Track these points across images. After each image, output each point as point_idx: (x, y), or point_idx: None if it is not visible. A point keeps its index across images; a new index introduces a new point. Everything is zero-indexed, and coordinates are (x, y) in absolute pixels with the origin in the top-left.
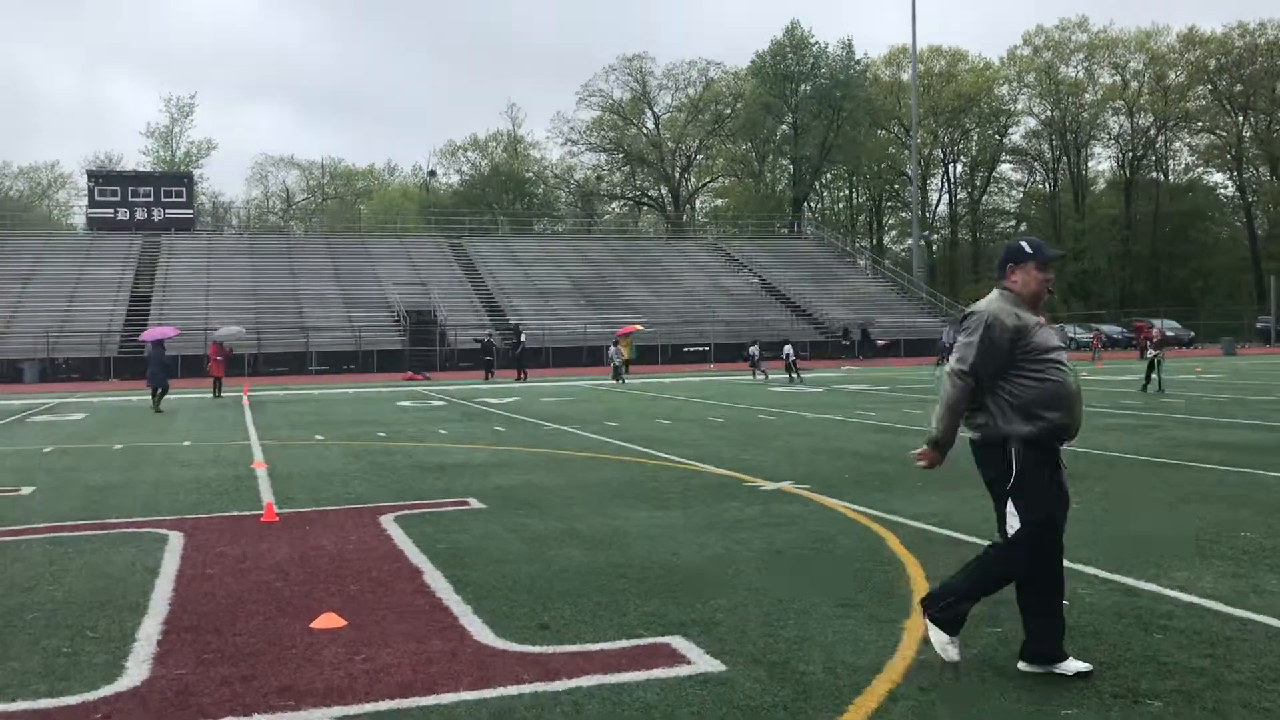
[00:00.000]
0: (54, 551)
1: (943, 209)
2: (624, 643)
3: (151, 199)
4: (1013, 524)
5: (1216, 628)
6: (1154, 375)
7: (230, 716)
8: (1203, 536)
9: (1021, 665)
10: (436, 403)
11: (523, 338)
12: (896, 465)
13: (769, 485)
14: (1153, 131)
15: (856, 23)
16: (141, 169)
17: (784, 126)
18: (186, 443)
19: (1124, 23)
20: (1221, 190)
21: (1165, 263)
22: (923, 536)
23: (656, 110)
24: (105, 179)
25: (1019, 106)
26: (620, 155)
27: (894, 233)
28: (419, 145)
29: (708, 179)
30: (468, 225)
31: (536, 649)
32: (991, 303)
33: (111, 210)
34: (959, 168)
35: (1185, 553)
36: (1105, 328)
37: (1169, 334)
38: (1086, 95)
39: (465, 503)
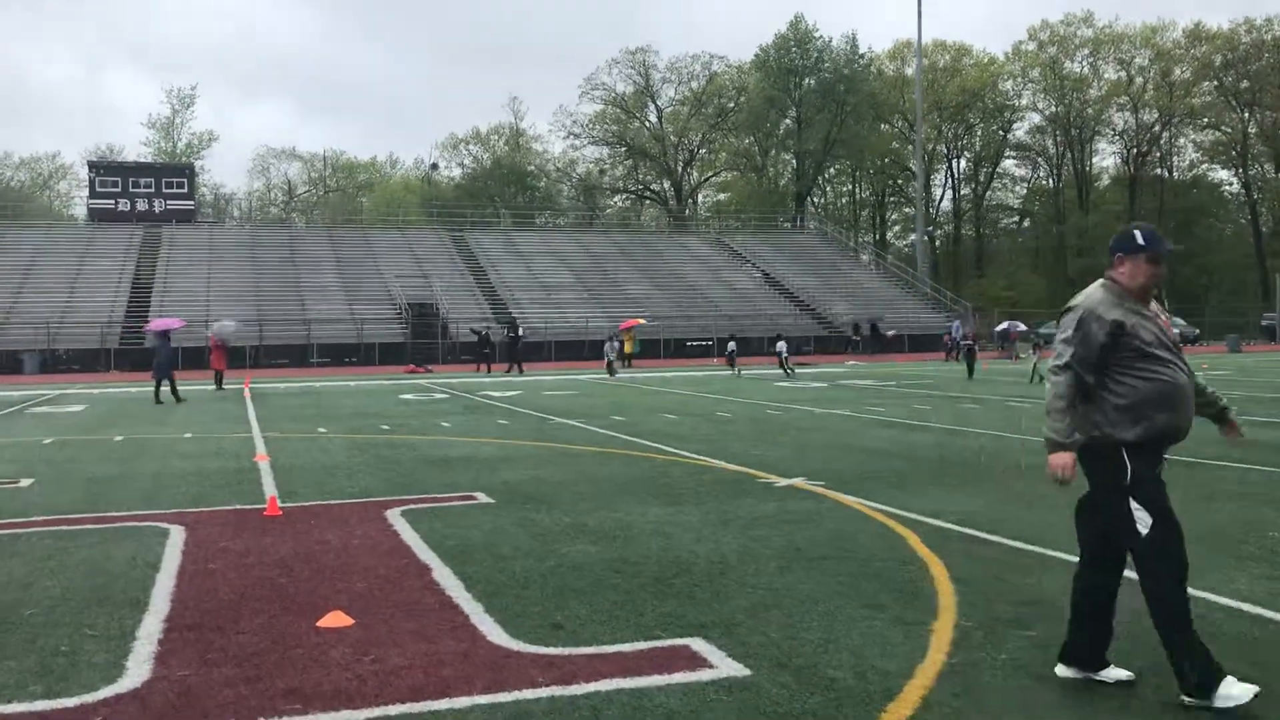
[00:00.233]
0: (53, 546)
1: (946, 204)
2: (642, 644)
3: (153, 190)
4: (1143, 519)
5: (1257, 632)
6: None
7: None
8: (1231, 536)
9: (1060, 670)
10: (439, 396)
11: (520, 331)
12: (909, 461)
13: (782, 481)
14: (1158, 127)
15: (860, 17)
16: (143, 160)
17: (787, 120)
18: (188, 435)
19: (1130, 18)
20: (1226, 186)
21: (1169, 260)
22: (943, 535)
23: (659, 104)
24: (106, 170)
25: (1023, 102)
26: (623, 149)
27: (897, 228)
28: (421, 138)
29: (710, 173)
30: (470, 218)
31: (551, 650)
32: (1091, 295)
33: (112, 201)
34: (963, 163)
35: (1215, 554)
36: None
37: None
38: (1091, 91)
39: (472, 497)
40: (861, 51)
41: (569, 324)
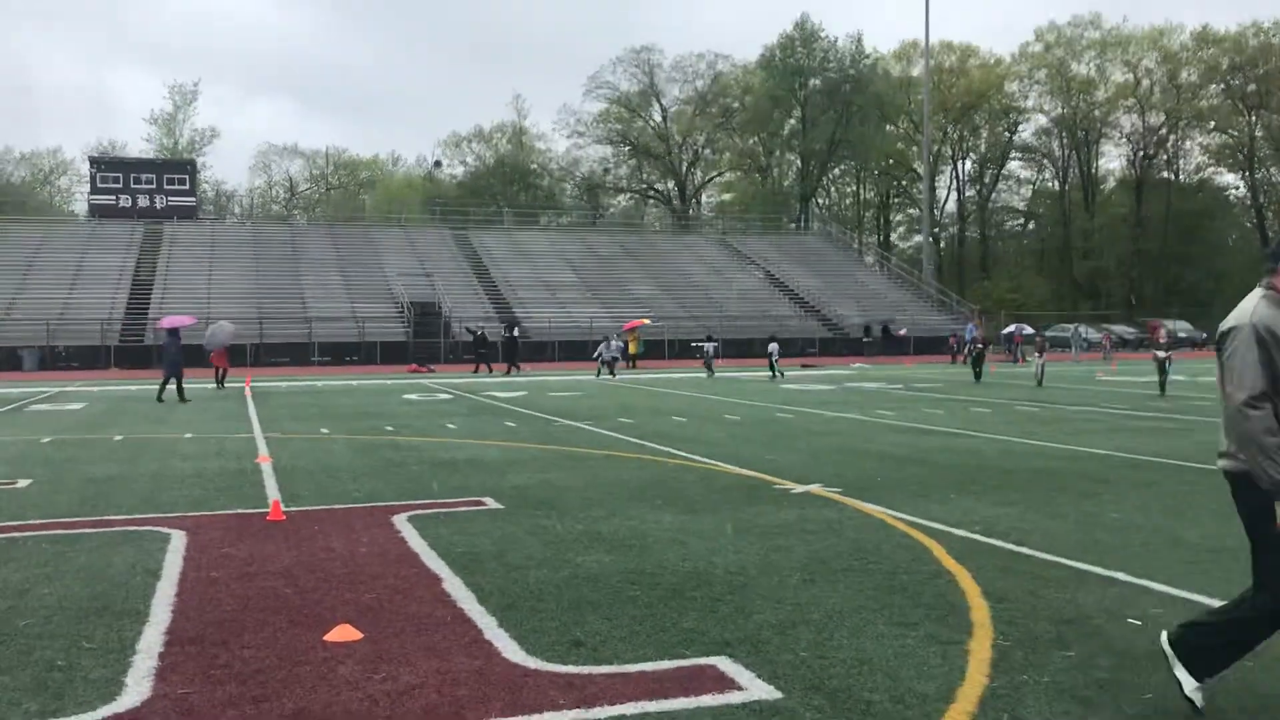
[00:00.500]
0: (50, 551)
1: (951, 206)
2: (666, 663)
3: (154, 186)
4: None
5: None
6: (1165, 377)
7: None
8: None
9: (1166, 638)
10: (443, 396)
11: (515, 331)
12: (926, 468)
13: (799, 488)
14: (1164, 130)
15: (866, 17)
16: (144, 156)
17: (792, 121)
18: (188, 435)
19: (1137, 20)
20: (1233, 190)
21: (1175, 263)
22: (969, 546)
23: (664, 103)
24: (107, 165)
25: (1029, 103)
26: (627, 148)
27: (901, 229)
28: (423, 136)
29: (715, 173)
30: (472, 217)
31: (571, 669)
32: (1255, 310)
33: (113, 197)
34: (968, 164)
35: None
36: (1116, 328)
37: (1180, 335)
38: (1098, 93)
39: (481, 502)
40: (867, 52)
41: (573, 324)
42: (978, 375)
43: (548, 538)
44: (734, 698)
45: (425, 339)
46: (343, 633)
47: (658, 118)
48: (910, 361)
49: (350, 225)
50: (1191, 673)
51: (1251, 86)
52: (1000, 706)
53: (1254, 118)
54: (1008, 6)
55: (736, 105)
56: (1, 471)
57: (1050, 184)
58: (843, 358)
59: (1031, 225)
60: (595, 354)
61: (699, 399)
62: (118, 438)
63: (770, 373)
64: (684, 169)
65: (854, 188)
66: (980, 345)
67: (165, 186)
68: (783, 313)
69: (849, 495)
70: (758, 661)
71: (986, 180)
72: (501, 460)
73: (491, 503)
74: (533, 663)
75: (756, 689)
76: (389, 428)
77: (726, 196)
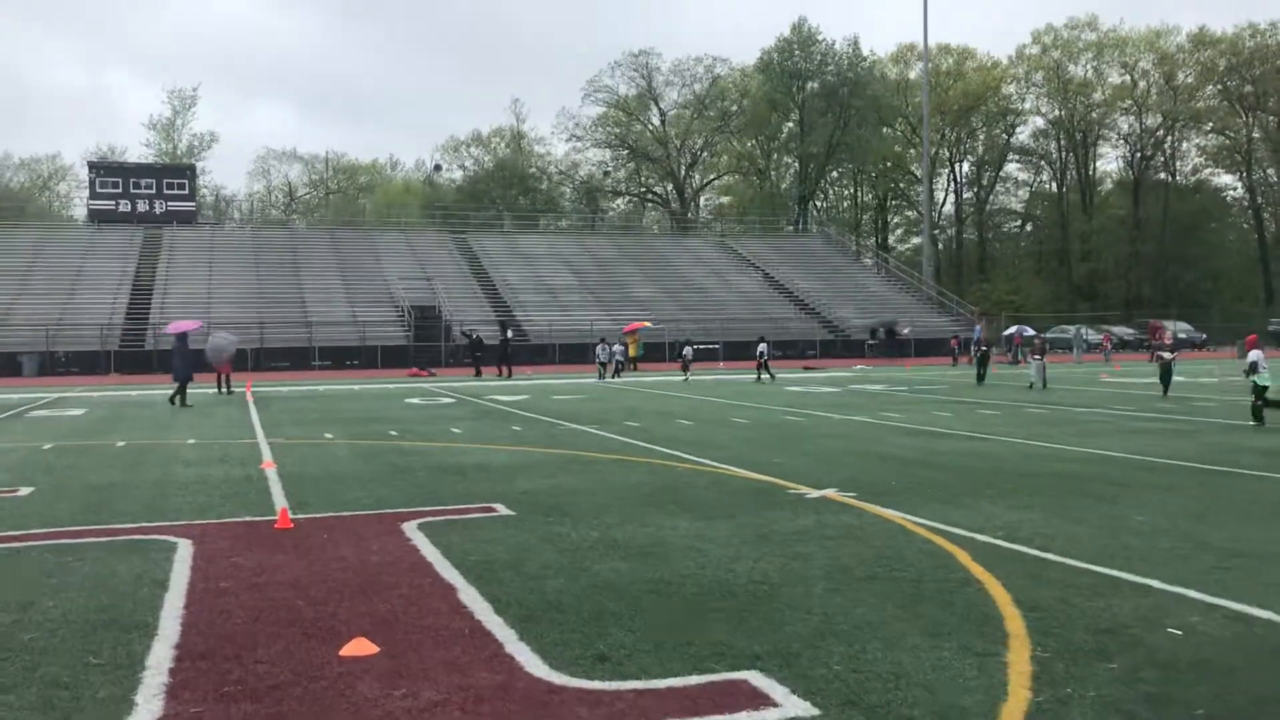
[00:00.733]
0: (53, 562)
1: (949, 208)
2: (695, 678)
3: (153, 191)
4: None
5: None
6: (1170, 379)
7: None
8: None
9: None
10: (446, 400)
11: (508, 334)
12: (940, 471)
13: (814, 493)
14: (1161, 131)
15: (863, 20)
16: (143, 161)
17: (790, 124)
18: (191, 440)
19: (1133, 22)
20: (1230, 191)
21: (1173, 264)
22: (994, 552)
23: (662, 106)
24: (106, 171)
25: (1027, 106)
26: (625, 151)
27: (899, 231)
28: (422, 141)
29: (713, 176)
30: (471, 220)
31: (598, 685)
32: None
33: (113, 202)
34: (965, 167)
35: None
36: (1116, 329)
37: (1180, 335)
38: (1095, 95)
39: (492, 508)
40: (864, 55)
41: (573, 327)
42: (980, 377)
43: (562, 545)
44: (770, 715)
45: (426, 343)
46: (359, 646)
47: (656, 121)
48: (910, 363)
49: (350, 230)
50: None
51: (1248, 87)
52: None
53: (1251, 119)
54: (1004, 9)
55: (734, 108)
56: (2, 479)
57: (1048, 186)
58: (844, 359)
59: (1029, 227)
60: (606, 357)
61: (703, 402)
62: (119, 444)
63: (758, 375)
64: (682, 172)
65: (852, 190)
66: (984, 347)
67: (165, 191)
68: (782, 315)
69: (865, 500)
70: (791, 676)
71: (984, 182)
72: (510, 465)
73: (502, 509)
74: (557, 678)
75: (792, 705)
76: (393, 432)
77: (725, 199)
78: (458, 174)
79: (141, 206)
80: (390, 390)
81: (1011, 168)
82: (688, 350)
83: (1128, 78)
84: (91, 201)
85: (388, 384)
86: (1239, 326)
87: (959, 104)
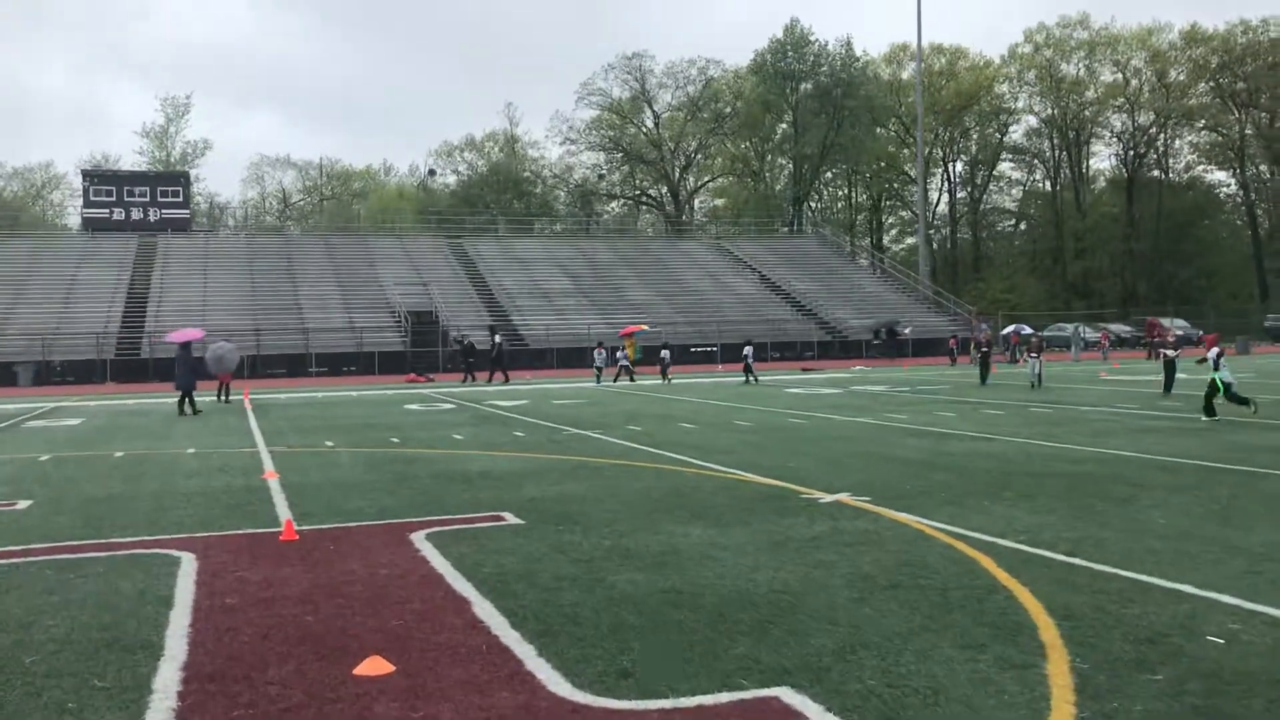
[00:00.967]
0: (54, 579)
1: (943, 208)
2: (725, 696)
3: (147, 199)
4: None
5: None
6: (1173, 377)
7: None
8: None
9: None
10: (445, 406)
11: (497, 338)
12: (953, 473)
13: (826, 497)
14: (1154, 129)
15: (855, 20)
16: (137, 169)
17: (784, 125)
18: (191, 450)
19: (1125, 20)
20: (1223, 188)
21: (1167, 261)
22: (1019, 558)
23: (656, 109)
24: (100, 179)
25: (1019, 104)
26: (619, 154)
27: (894, 231)
28: (415, 146)
29: (707, 178)
30: (466, 225)
31: (623, 704)
32: None
33: (107, 211)
34: (959, 166)
35: None
36: (1113, 327)
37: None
38: (1088, 93)
39: (500, 517)
40: (857, 56)
41: (570, 331)
42: (983, 377)
43: (575, 555)
44: None
45: (423, 348)
46: (373, 665)
47: (650, 124)
48: (908, 364)
49: (345, 235)
50: None
51: (1240, 84)
52: None
53: (1243, 115)
54: (996, 8)
55: (728, 110)
56: (0, 493)
57: (1041, 185)
58: (842, 360)
59: (1023, 226)
60: (602, 361)
61: (704, 405)
62: (118, 454)
63: (745, 377)
64: (677, 174)
65: (846, 191)
66: (985, 347)
67: (159, 199)
68: (779, 316)
69: (880, 504)
70: (823, 692)
71: (978, 181)
72: (515, 472)
73: (511, 517)
74: (580, 696)
75: None
76: (394, 439)
77: (719, 201)
78: (452, 179)
79: (136, 214)
80: (389, 396)
81: (1005, 167)
82: (665, 353)
83: (1120, 76)
84: (85, 210)
85: (386, 390)
86: (1234, 323)
87: (952, 103)
